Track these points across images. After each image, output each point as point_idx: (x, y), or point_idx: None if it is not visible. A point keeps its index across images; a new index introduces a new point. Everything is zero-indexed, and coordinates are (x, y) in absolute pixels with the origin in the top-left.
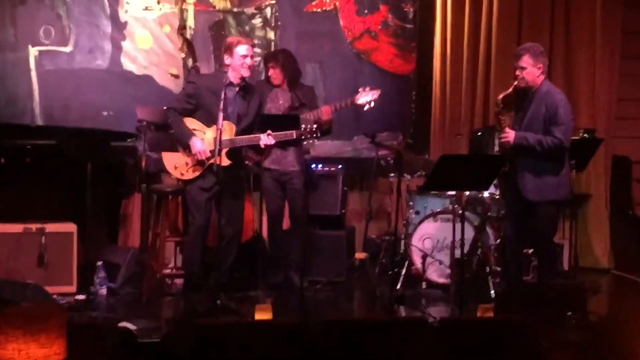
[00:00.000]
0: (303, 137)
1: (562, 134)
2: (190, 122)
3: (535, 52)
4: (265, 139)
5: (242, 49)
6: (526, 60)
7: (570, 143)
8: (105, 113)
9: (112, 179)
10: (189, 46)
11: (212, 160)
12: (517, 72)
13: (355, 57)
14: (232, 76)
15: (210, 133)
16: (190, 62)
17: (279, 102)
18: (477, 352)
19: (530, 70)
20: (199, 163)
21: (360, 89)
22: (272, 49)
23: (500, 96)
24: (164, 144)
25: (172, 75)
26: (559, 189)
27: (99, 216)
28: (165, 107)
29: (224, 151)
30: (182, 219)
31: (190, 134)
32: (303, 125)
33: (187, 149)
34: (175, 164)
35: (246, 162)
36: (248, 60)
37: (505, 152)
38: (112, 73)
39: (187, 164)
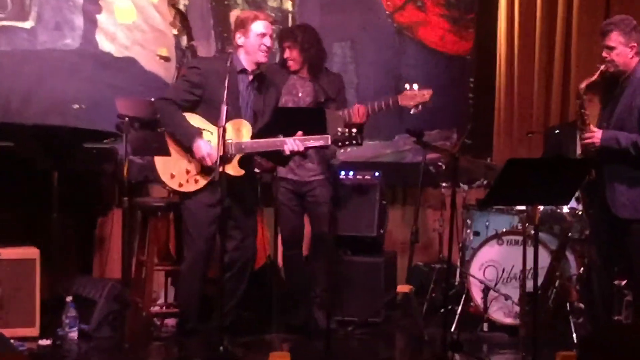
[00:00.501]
0: (341, 144)
1: None
2: (195, 120)
3: (626, 28)
4: (292, 143)
5: (259, 26)
6: (615, 38)
7: None
8: (75, 106)
9: (85, 191)
10: (183, 20)
11: (226, 168)
12: (605, 54)
13: (396, 34)
14: (245, 61)
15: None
16: (184, 40)
17: (297, 95)
18: None
19: (621, 50)
20: (204, 171)
21: (406, 87)
22: (290, 22)
23: (584, 84)
24: (151, 146)
25: (161, 57)
26: None
27: (68, 239)
28: (154, 99)
29: (236, 158)
30: (174, 243)
31: (194, 133)
32: (340, 129)
33: (188, 152)
34: (172, 172)
35: (257, 170)
36: (267, 41)
37: (590, 156)
38: (85, 55)
39: (187, 171)
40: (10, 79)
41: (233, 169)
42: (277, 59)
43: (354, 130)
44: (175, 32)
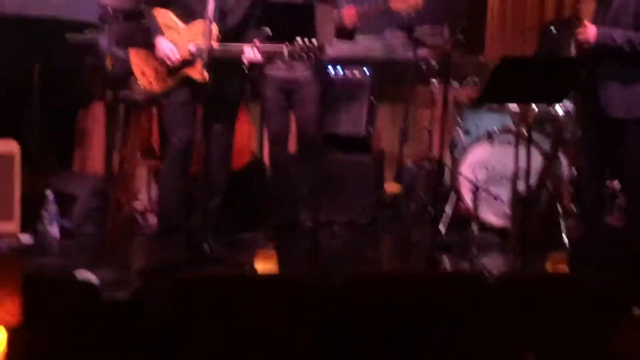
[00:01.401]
0: (297, 56)
1: None
2: (163, 15)
3: None
4: (250, 52)
5: None
6: None
7: None
8: None
9: (66, 84)
10: None
11: (189, 71)
12: None
13: None
14: None
15: (185, 34)
16: None
17: None
18: (546, 317)
19: None
20: (170, 72)
21: None
22: None
23: None
24: (135, 38)
25: None
26: None
27: (48, 132)
28: None
29: (198, 61)
30: (158, 137)
31: (156, 30)
32: (298, 39)
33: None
34: (144, 69)
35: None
36: None
37: (583, 53)
38: None
39: (156, 70)
40: None
41: (195, 73)
42: None
43: (314, 42)
44: None
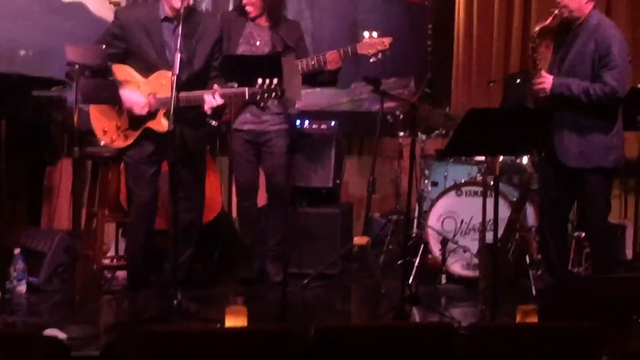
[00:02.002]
0: (259, 98)
1: (615, 80)
2: (121, 71)
3: None
4: (211, 99)
5: None
6: None
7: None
8: (22, 52)
9: (34, 140)
10: None
11: (151, 124)
12: None
13: None
14: (166, 8)
15: (145, 87)
16: None
17: (255, 44)
18: None
19: None
20: (132, 126)
21: (365, 35)
22: None
23: (537, 28)
24: (102, 94)
25: (112, 2)
26: (608, 153)
27: (16, 189)
28: (103, 46)
29: (160, 112)
30: (125, 193)
31: (117, 84)
32: (259, 81)
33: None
34: (104, 127)
35: (211, 121)
36: None
37: (540, 103)
38: (32, 0)
39: (117, 127)
40: None
41: (157, 124)
42: (231, 5)
43: (274, 82)
44: None
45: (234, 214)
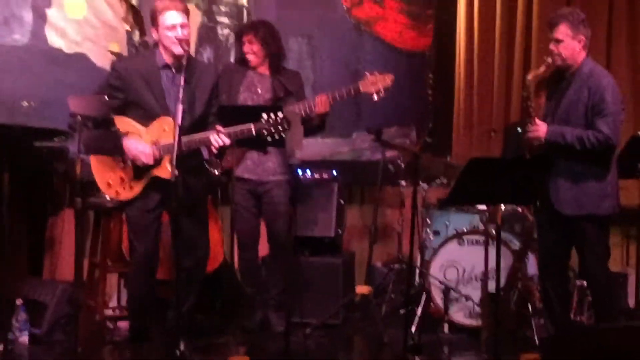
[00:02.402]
0: (266, 132)
1: (609, 128)
2: (122, 123)
3: (575, 21)
4: (217, 138)
5: (168, 18)
6: (563, 31)
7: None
8: (25, 104)
9: (36, 190)
10: (135, 15)
11: (156, 172)
12: (552, 46)
13: (353, 29)
14: (165, 55)
15: (147, 135)
16: (136, 36)
17: (257, 92)
18: None
19: (569, 43)
20: (137, 177)
21: (366, 74)
22: (245, 18)
23: (530, 76)
24: (104, 145)
25: (113, 53)
26: (602, 200)
27: (18, 240)
28: (105, 97)
29: (165, 159)
30: (127, 244)
31: (120, 135)
32: (264, 116)
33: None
34: (108, 180)
35: (212, 169)
36: (179, 32)
37: (535, 151)
38: (34, 51)
39: (122, 179)
40: None
41: (163, 172)
42: (232, 57)
43: (280, 116)
44: (127, 27)
45: (236, 264)
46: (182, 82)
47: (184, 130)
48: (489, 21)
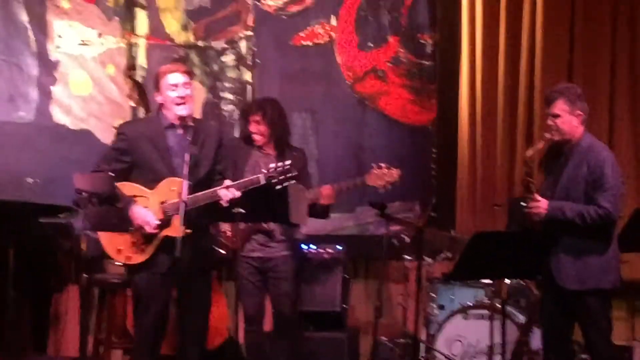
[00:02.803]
0: (276, 182)
1: (609, 203)
2: (128, 188)
3: (572, 96)
4: (226, 193)
5: (171, 78)
6: (560, 106)
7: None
8: (30, 180)
9: (41, 267)
10: (140, 92)
11: (167, 232)
12: (550, 121)
13: (357, 104)
14: (170, 116)
15: (155, 197)
16: (141, 112)
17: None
18: None
19: (567, 118)
20: (148, 238)
21: (373, 166)
22: (248, 94)
23: (530, 152)
24: (110, 221)
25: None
26: (605, 274)
27: (22, 317)
28: (110, 173)
29: (175, 218)
30: (132, 320)
31: (127, 201)
32: (272, 165)
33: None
34: (118, 247)
35: (220, 250)
36: (181, 91)
37: (535, 226)
38: (39, 128)
39: (133, 243)
40: None
41: (174, 231)
42: (237, 133)
43: (287, 165)
44: (132, 103)
45: (241, 339)
46: (187, 140)
47: (192, 188)
48: (491, 95)
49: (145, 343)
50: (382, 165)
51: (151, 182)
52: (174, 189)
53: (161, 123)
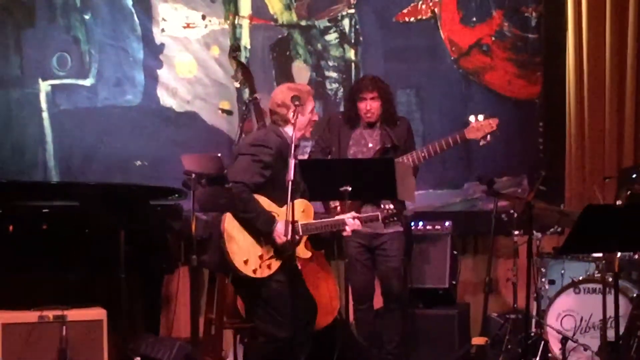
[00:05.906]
0: (387, 221)
1: None
2: (261, 202)
3: None
4: (353, 223)
5: (312, 102)
6: None
7: None
8: (138, 163)
9: (151, 249)
10: (245, 72)
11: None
12: None
13: (462, 79)
14: (294, 135)
15: (284, 215)
16: (246, 93)
17: (367, 145)
18: None
19: None
20: (276, 254)
21: (471, 119)
22: (352, 72)
23: None
24: (219, 202)
25: (224, 111)
26: None
27: (134, 298)
28: (219, 154)
29: (303, 239)
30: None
31: (272, 218)
32: (384, 206)
33: (262, 236)
34: (245, 258)
35: None
36: (316, 116)
37: None
38: (146, 111)
39: (261, 256)
40: (71, 138)
41: (302, 252)
42: (341, 108)
43: (391, 207)
44: (237, 84)
45: (351, 318)
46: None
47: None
48: (598, 67)
49: (278, 351)
50: (480, 116)
51: (279, 200)
52: (305, 211)
53: (287, 141)
